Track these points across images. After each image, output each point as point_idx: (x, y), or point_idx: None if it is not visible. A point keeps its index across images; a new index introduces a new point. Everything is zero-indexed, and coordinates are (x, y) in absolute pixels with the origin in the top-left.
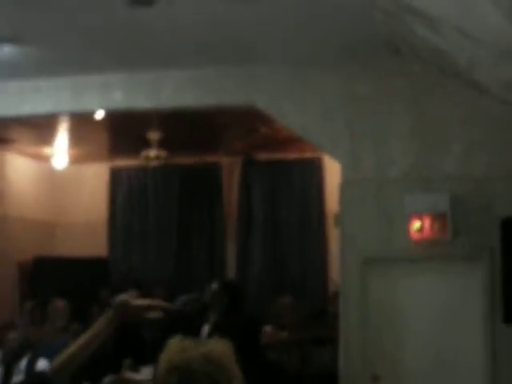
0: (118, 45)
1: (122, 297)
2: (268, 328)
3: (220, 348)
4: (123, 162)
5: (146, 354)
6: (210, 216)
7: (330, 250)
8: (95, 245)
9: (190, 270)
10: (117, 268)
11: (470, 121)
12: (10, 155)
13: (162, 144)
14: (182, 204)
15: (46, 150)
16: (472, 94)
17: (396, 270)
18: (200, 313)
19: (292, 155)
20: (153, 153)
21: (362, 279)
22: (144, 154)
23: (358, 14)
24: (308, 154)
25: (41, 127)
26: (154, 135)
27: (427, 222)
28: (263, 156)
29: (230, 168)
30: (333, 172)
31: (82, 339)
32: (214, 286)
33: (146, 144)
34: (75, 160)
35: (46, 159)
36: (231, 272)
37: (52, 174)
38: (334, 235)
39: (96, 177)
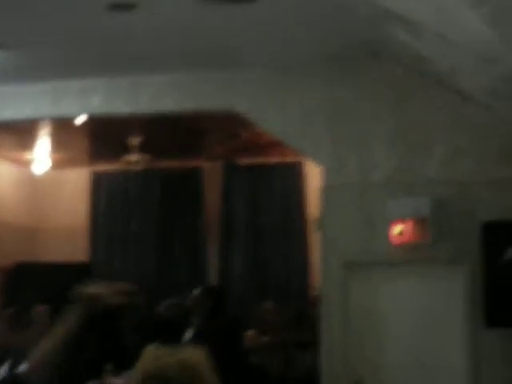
0: (97, 50)
1: (87, 289)
2: (250, 332)
3: (195, 355)
4: (104, 167)
5: (128, 359)
6: (192, 220)
7: (312, 253)
8: (77, 250)
9: (171, 274)
10: (99, 273)
11: (452, 125)
12: None
13: (142, 149)
14: (163, 209)
15: (27, 155)
16: (455, 98)
17: (377, 274)
18: (182, 317)
19: (273, 159)
20: (134, 157)
21: (343, 283)
22: (125, 158)
23: (340, 18)
24: (289, 159)
25: (21, 132)
26: (134, 140)
27: (409, 226)
28: (244, 160)
29: (211, 172)
30: (314, 176)
31: (54, 337)
32: (197, 290)
33: (127, 149)
34: (56, 165)
35: (26, 164)
36: (213, 276)
37: (33, 179)
38: (315, 239)
39: (77, 182)
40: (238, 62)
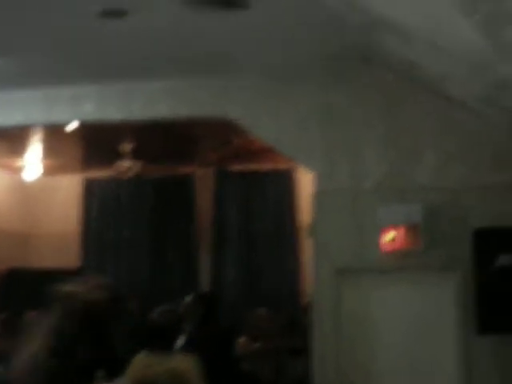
0: (89, 57)
1: (64, 288)
2: (242, 339)
3: (184, 364)
4: (96, 174)
5: (120, 366)
6: (184, 227)
7: (304, 260)
8: (69, 256)
9: (164, 281)
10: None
11: (444, 131)
12: None
13: (135, 155)
14: (155, 215)
15: (19, 162)
16: (446, 104)
17: (369, 281)
18: (175, 324)
19: (265, 166)
20: (126, 164)
21: (335, 289)
22: (117, 165)
23: (331, 25)
24: (281, 165)
25: (13, 139)
26: (126, 146)
27: (400, 233)
28: (236, 167)
29: (204, 179)
30: (306, 183)
31: (37, 340)
32: (189, 297)
33: (119, 155)
34: (48, 171)
35: (18, 171)
36: (206, 283)
37: (25, 186)
38: (307, 245)
39: (69, 188)
40: (231, 69)
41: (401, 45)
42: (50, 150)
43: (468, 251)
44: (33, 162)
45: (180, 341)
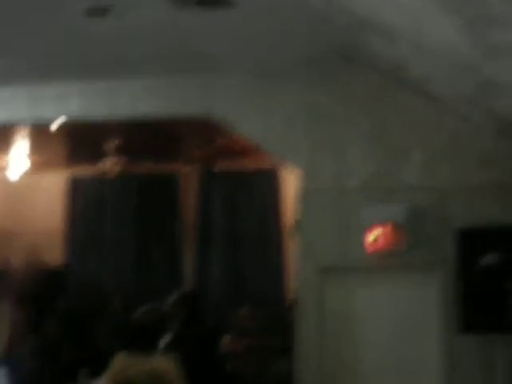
0: (73, 54)
1: None
2: (227, 337)
3: (165, 365)
4: (81, 171)
5: (103, 364)
6: (169, 225)
7: (288, 258)
8: (52, 254)
9: (148, 280)
10: (74, 278)
11: (430, 131)
12: None
13: (119, 153)
14: (140, 213)
15: (3, 159)
16: (432, 105)
17: (353, 280)
18: (159, 323)
19: (250, 165)
20: (110, 162)
21: (319, 288)
22: (102, 163)
23: (317, 25)
24: (266, 165)
25: None
26: (111, 144)
27: (385, 233)
28: (221, 166)
29: (189, 177)
30: (290, 182)
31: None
32: (173, 296)
33: (104, 153)
34: (33, 169)
35: (2, 168)
36: (190, 282)
37: (9, 183)
38: (292, 244)
39: (54, 186)
40: (216, 67)
41: (386, 45)
42: (34, 148)
43: (452, 251)
44: (17, 159)
45: (164, 340)
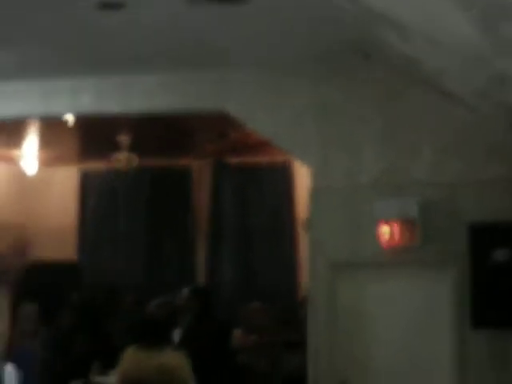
0: (87, 49)
1: None
2: (238, 332)
3: (174, 360)
4: (93, 166)
5: (116, 359)
6: (181, 219)
7: (300, 254)
8: (65, 248)
9: (160, 274)
10: (87, 272)
11: (441, 126)
12: None
13: (132, 147)
14: (152, 207)
15: (16, 154)
16: (443, 99)
17: (365, 276)
18: (171, 317)
19: (262, 159)
20: (123, 156)
21: (330, 284)
22: (114, 157)
23: (329, 20)
24: (278, 159)
25: (10, 130)
26: (124, 139)
27: (396, 228)
28: (234, 160)
29: (201, 172)
30: (303, 176)
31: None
32: (186, 291)
33: (116, 147)
34: (45, 163)
35: (15, 162)
36: (202, 276)
37: (22, 177)
38: (304, 240)
39: (66, 180)
40: (228, 63)
41: (398, 40)
42: (47, 142)
43: (464, 246)
44: (30, 154)
45: (176, 334)
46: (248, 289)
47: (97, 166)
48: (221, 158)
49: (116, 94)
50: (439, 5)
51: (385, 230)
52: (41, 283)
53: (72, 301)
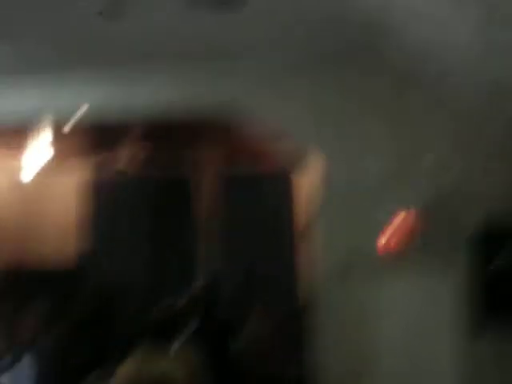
0: (88, 53)
1: None
2: (247, 331)
3: (175, 369)
4: (96, 169)
5: (119, 363)
6: (183, 224)
7: (305, 256)
8: (67, 254)
9: (162, 276)
10: (88, 275)
11: (441, 129)
12: None
13: (136, 150)
14: (155, 212)
15: (17, 159)
16: (443, 100)
17: (368, 280)
18: (174, 320)
19: (264, 167)
20: (126, 160)
21: (334, 286)
22: (117, 161)
23: (331, 20)
24: (280, 166)
25: (12, 131)
26: (127, 142)
27: (399, 233)
28: (236, 166)
29: (203, 178)
30: (306, 182)
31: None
32: (188, 292)
33: (121, 151)
34: (47, 165)
35: (16, 168)
36: (204, 278)
37: (23, 183)
38: (307, 243)
39: (68, 186)
40: (232, 64)
41: (397, 42)
42: (49, 147)
43: (467, 250)
44: (32, 159)
45: (180, 336)
46: (250, 289)
47: (100, 169)
48: (223, 164)
49: (119, 99)
50: (439, 6)
51: (388, 233)
52: (39, 291)
53: (72, 308)
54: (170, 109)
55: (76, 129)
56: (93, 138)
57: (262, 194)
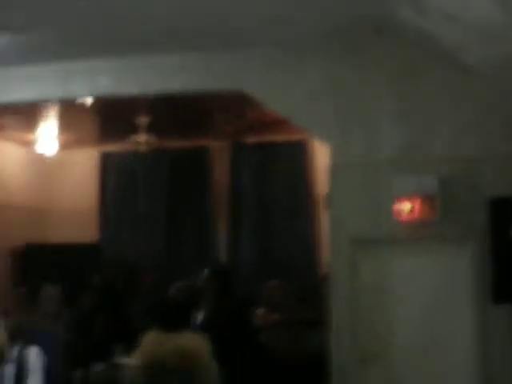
0: (103, 31)
1: None
2: (260, 311)
3: (194, 342)
4: (112, 148)
5: (136, 340)
6: (200, 200)
7: (320, 231)
8: (85, 231)
9: (180, 254)
10: (107, 254)
11: (457, 102)
12: None
13: (150, 129)
14: (171, 188)
15: (35, 136)
16: (460, 74)
17: (385, 252)
18: (192, 299)
19: (281, 137)
20: (142, 138)
21: (351, 261)
22: (133, 138)
23: None
24: (296, 137)
25: (28, 114)
26: (142, 120)
27: (416, 204)
28: (252, 139)
29: (219, 152)
30: (321, 153)
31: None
32: (206, 271)
33: (135, 129)
34: (64, 146)
35: (34, 146)
36: (222, 255)
37: (41, 160)
38: (324, 217)
39: (85, 162)
40: (244, 43)
41: (413, 14)
42: (65, 125)
43: (484, 220)
44: (49, 136)
45: (199, 316)
46: (268, 267)
47: (116, 147)
48: (239, 137)
49: (134, 75)
50: None
51: (405, 206)
52: (62, 265)
53: (93, 282)
54: (184, 90)
55: (90, 108)
56: (107, 116)
57: (278, 164)
